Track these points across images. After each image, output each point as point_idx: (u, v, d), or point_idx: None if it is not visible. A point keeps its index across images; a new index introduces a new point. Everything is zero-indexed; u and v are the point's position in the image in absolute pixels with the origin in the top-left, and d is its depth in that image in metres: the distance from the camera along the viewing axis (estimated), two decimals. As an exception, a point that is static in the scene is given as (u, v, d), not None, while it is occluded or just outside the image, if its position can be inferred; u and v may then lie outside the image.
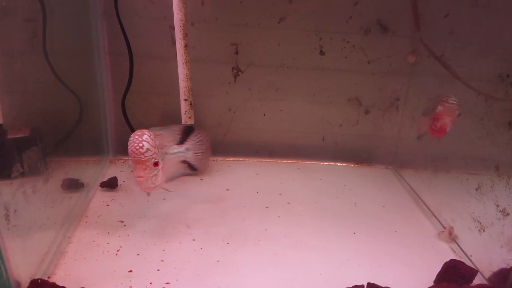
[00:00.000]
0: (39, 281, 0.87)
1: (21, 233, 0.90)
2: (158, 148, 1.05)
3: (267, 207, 1.34)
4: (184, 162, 1.27)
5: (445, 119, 1.15)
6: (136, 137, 1.02)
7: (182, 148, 1.21)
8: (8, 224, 0.82)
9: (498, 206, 1.03)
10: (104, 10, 1.48)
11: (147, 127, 1.47)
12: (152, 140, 1.03)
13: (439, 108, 1.16)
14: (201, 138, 1.29)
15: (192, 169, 1.29)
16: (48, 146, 1.23)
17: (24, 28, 1.28)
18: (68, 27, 1.38)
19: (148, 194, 1.16)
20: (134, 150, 1.00)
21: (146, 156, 1.01)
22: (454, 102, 1.15)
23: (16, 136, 1.12)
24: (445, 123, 1.15)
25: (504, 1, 1.19)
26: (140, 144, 1.01)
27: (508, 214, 0.99)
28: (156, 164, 1.03)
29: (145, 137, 1.02)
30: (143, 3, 1.48)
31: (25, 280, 0.87)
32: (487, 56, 1.27)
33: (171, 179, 1.18)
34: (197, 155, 1.27)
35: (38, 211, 1.02)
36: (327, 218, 1.30)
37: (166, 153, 1.13)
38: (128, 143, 1.02)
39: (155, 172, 1.03)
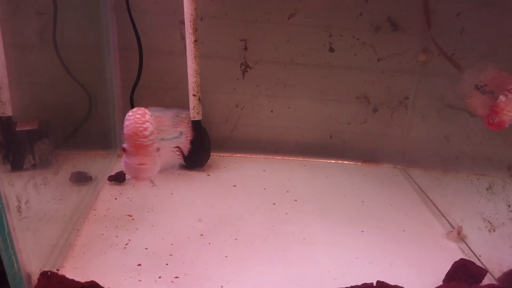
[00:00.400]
0: (49, 273, 0.88)
1: (31, 225, 0.90)
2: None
3: (274, 204, 1.34)
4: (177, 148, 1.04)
5: (504, 115, 0.94)
6: (138, 116, 0.83)
7: (176, 132, 0.99)
8: (20, 215, 0.82)
9: (509, 206, 1.02)
10: (114, 4, 1.47)
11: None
12: (153, 121, 0.85)
13: (501, 98, 0.94)
14: (187, 118, 1.06)
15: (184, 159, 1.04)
16: (57, 139, 1.23)
17: (34, 21, 1.28)
18: (78, 21, 1.38)
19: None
20: (137, 132, 0.81)
21: (149, 140, 0.82)
22: None
23: (25, 128, 1.12)
24: (503, 120, 0.94)
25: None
26: (144, 126, 0.82)
27: (519, 215, 0.98)
28: (158, 150, 0.85)
29: (147, 117, 0.84)
30: (153, -3, 1.48)
31: (35, 272, 0.87)
32: (497, 55, 1.25)
33: (165, 170, 0.98)
34: (186, 139, 1.04)
35: (47, 204, 1.02)
36: (335, 216, 1.29)
37: (162, 139, 0.92)
38: (126, 123, 0.83)
39: (155, 160, 0.86)
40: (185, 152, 1.06)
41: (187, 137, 1.04)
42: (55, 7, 1.27)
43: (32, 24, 1.28)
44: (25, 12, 1.28)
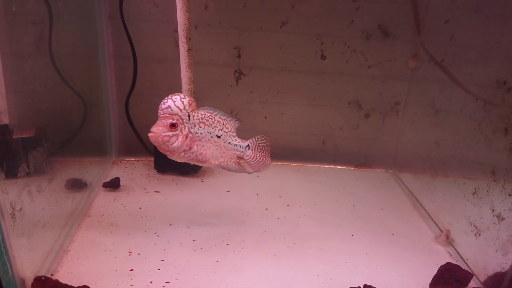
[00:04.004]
0: (43, 278, 0.90)
1: (25, 232, 0.93)
2: (195, 119, 1.04)
3: (266, 209, 1.36)
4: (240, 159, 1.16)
5: None
6: (169, 95, 1.03)
7: (244, 143, 1.13)
8: (14, 222, 0.85)
9: (493, 210, 1.04)
10: (109, 13, 1.50)
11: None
12: (183, 104, 1.03)
13: None
14: (264, 140, 1.17)
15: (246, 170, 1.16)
16: (53, 146, 1.26)
17: (31, 31, 1.31)
18: (74, 30, 1.41)
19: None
20: (160, 104, 1.02)
21: (164, 113, 1.02)
22: None
23: (22, 136, 1.15)
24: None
25: (503, 7, 1.21)
26: (165, 100, 1.02)
27: (503, 219, 1.00)
28: (173, 125, 1.02)
29: (175, 97, 1.03)
30: (147, 7, 1.51)
31: (29, 277, 0.89)
32: (486, 61, 1.28)
33: (224, 167, 1.13)
34: (255, 157, 1.15)
35: (42, 210, 1.05)
36: (326, 220, 1.32)
37: (218, 136, 1.09)
38: None
39: (169, 134, 1.02)
40: (253, 168, 1.17)
41: (255, 155, 1.15)
42: (50, 17, 1.29)
43: (28, 34, 1.31)
44: (22, 22, 1.31)
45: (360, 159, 1.76)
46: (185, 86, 1.46)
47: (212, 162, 1.11)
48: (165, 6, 1.50)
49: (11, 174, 0.97)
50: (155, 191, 1.41)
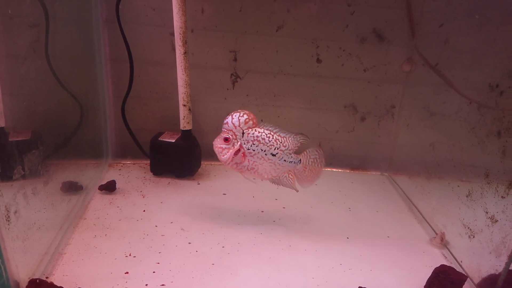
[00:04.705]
0: (38, 281, 0.90)
1: (21, 234, 0.92)
2: (249, 136, 1.11)
3: (262, 211, 1.36)
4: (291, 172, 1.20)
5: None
6: (233, 111, 1.13)
7: (297, 158, 1.16)
8: (8, 225, 0.85)
9: (487, 213, 1.05)
10: (106, 17, 1.51)
11: (148, 131, 1.54)
12: (239, 122, 1.11)
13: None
14: (317, 155, 1.19)
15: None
16: (49, 149, 1.26)
17: (27, 33, 1.31)
18: (71, 33, 1.41)
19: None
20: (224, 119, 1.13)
21: (223, 128, 1.13)
22: None
23: (18, 139, 1.14)
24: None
25: (496, 12, 1.22)
26: (227, 116, 1.13)
27: (496, 221, 1.01)
28: (226, 139, 1.12)
29: (235, 114, 1.12)
30: (144, 10, 1.52)
31: (24, 280, 0.89)
32: (479, 65, 1.29)
33: (275, 182, 1.20)
34: (304, 171, 1.18)
35: (37, 213, 1.04)
36: (321, 223, 1.32)
37: (273, 154, 1.14)
38: None
39: (222, 146, 1.13)
40: (300, 182, 1.21)
41: (305, 167, 1.18)
42: (47, 19, 1.30)
43: (24, 36, 1.31)
44: (18, 25, 1.31)
45: (355, 162, 1.77)
46: (181, 89, 1.46)
47: (265, 176, 1.18)
48: (162, 9, 1.51)
49: (6, 176, 0.97)
50: (147, 195, 1.41)
